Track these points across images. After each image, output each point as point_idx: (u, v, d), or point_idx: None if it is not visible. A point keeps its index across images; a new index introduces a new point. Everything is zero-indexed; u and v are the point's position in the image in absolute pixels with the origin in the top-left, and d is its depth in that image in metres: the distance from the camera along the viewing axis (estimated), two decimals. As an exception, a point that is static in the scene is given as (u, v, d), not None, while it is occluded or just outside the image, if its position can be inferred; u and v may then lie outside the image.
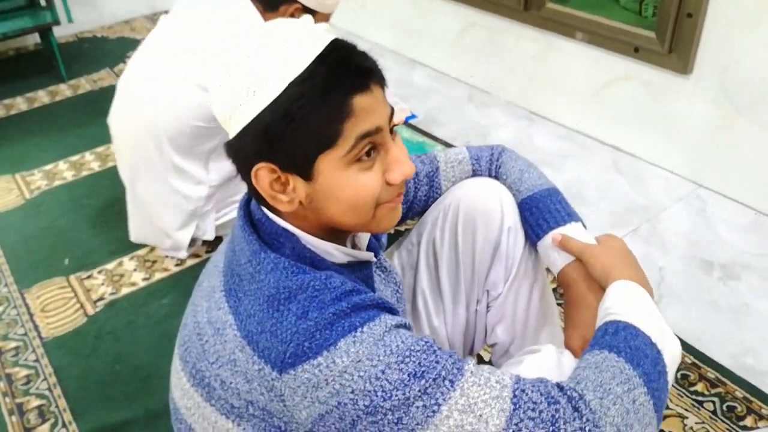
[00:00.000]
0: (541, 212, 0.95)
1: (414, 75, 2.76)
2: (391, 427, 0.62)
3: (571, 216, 0.95)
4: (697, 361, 1.41)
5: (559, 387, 0.64)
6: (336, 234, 0.78)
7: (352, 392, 0.62)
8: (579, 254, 0.89)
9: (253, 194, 0.75)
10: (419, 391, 0.62)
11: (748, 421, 1.28)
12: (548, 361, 0.75)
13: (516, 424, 0.61)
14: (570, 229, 0.93)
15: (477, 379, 0.63)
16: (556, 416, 0.61)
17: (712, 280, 1.64)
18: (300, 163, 0.69)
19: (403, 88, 2.65)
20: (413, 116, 2.30)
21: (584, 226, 0.96)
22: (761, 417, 1.29)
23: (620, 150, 2.18)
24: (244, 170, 0.72)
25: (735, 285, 1.63)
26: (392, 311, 0.69)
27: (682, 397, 1.33)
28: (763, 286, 1.62)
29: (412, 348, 0.64)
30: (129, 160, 1.68)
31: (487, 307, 1.05)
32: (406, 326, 0.68)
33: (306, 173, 0.69)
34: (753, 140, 1.81)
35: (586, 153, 2.19)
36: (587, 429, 0.61)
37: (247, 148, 0.70)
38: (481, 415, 0.61)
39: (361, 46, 0.73)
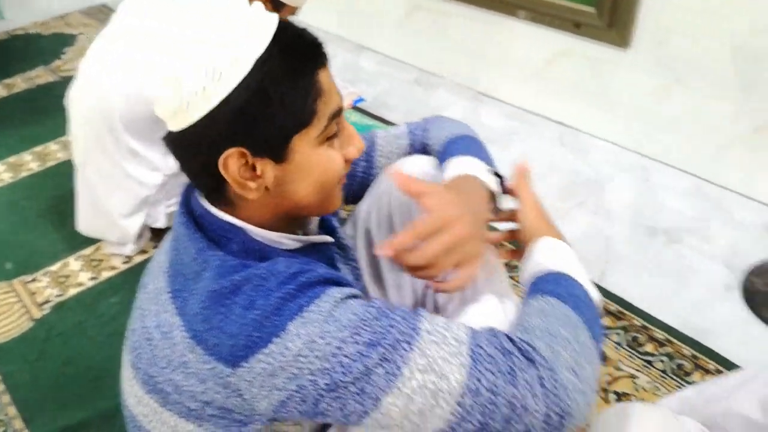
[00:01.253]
0: (444, 156, 0.94)
1: (361, 60, 2.75)
2: (354, 399, 0.62)
3: (468, 152, 0.91)
4: (646, 323, 1.45)
5: (510, 339, 0.66)
6: (288, 223, 0.76)
7: (311, 373, 0.61)
8: (417, 195, 0.79)
9: (202, 187, 0.72)
10: (378, 358, 0.62)
11: (696, 377, 1.33)
12: (491, 308, 0.78)
13: (477, 378, 0.62)
14: (460, 162, 0.90)
15: (434, 338, 0.64)
16: (513, 367, 0.63)
17: (657, 245, 1.70)
18: (275, 144, 0.67)
19: (351, 73, 2.63)
20: (362, 99, 2.29)
21: (499, 177, 0.92)
22: (707, 372, 1.34)
23: (565, 125, 2.22)
24: (203, 160, 0.68)
25: (678, 249, 1.68)
26: (340, 283, 0.68)
27: (633, 358, 1.37)
28: (704, 248, 1.68)
29: (364, 317, 0.64)
30: (82, 143, 1.63)
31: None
32: (355, 296, 0.67)
33: (280, 155, 0.68)
34: (691, 109, 1.87)
35: (533, 129, 2.22)
36: (545, 375, 0.63)
37: (215, 135, 0.66)
38: (442, 373, 0.62)
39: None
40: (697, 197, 1.86)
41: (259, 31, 0.66)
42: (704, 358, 1.37)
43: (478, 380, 0.62)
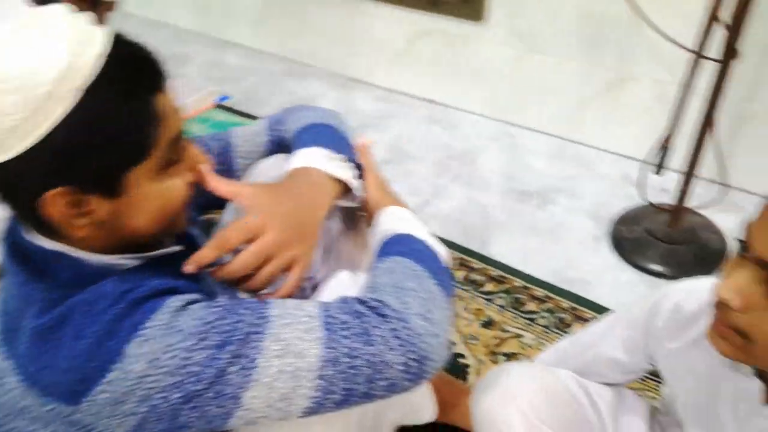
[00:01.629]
0: (293, 149, 0.88)
1: (226, 56, 2.66)
2: (214, 404, 0.60)
3: (316, 142, 0.86)
4: (526, 284, 1.51)
5: (361, 301, 0.67)
6: (129, 245, 0.69)
7: (161, 391, 0.58)
8: (231, 197, 0.75)
9: (28, 222, 0.65)
10: (231, 357, 0.59)
11: (576, 327, 1.40)
12: (343, 282, 0.78)
13: (333, 347, 0.62)
14: (303, 154, 0.84)
15: (286, 320, 0.63)
16: (367, 326, 0.64)
17: (530, 207, 1.77)
18: (107, 180, 0.60)
19: (217, 70, 2.54)
20: (226, 97, 2.22)
21: (355, 164, 0.87)
22: (585, 321, 1.42)
23: (434, 102, 2.26)
24: (23, 197, 0.60)
25: (550, 208, 1.77)
26: (179, 291, 0.64)
27: (517, 318, 1.43)
28: (573, 204, 1.77)
29: (208, 320, 0.61)
30: None
31: (314, 288, 1.03)
32: (197, 300, 0.64)
33: (113, 190, 0.61)
34: (546, 74, 1.96)
35: (405, 110, 2.25)
36: (398, 327, 0.65)
37: (34, 173, 0.58)
38: (299, 352, 0.61)
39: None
40: (562, 157, 1.96)
41: (83, 54, 0.57)
42: (582, 308, 1.45)
43: (335, 349, 0.62)
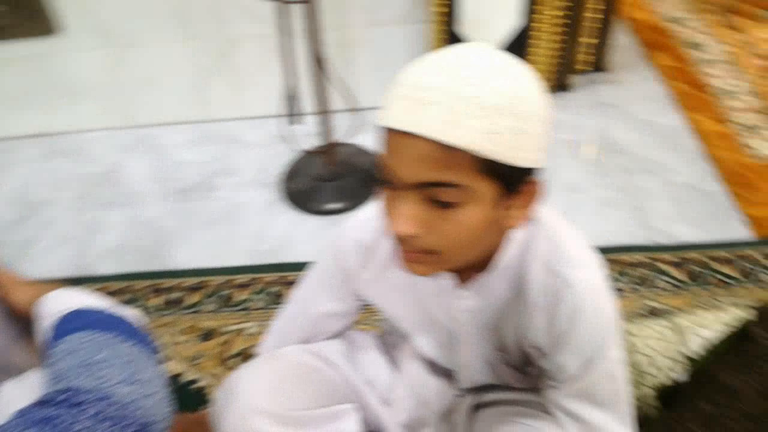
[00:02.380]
0: None
1: None
2: None
3: None
4: (226, 277, 1.44)
5: (44, 403, 0.56)
6: None
7: None
8: None
9: None
10: None
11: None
12: (9, 394, 0.66)
13: None
14: None
15: None
16: (63, 427, 0.54)
17: (197, 202, 1.67)
18: None
19: None
20: None
21: None
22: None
23: (47, 135, 1.96)
24: None
25: (217, 194, 1.69)
26: None
27: (231, 315, 1.35)
28: (236, 181, 1.73)
29: None
30: None
31: None
32: None
33: None
34: (154, 65, 1.84)
35: (15, 155, 1.91)
36: (99, 408, 0.56)
37: None
38: None
39: None
40: (208, 141, 1.89)
41: None
42: (288, 273, 1.44)
43: None
